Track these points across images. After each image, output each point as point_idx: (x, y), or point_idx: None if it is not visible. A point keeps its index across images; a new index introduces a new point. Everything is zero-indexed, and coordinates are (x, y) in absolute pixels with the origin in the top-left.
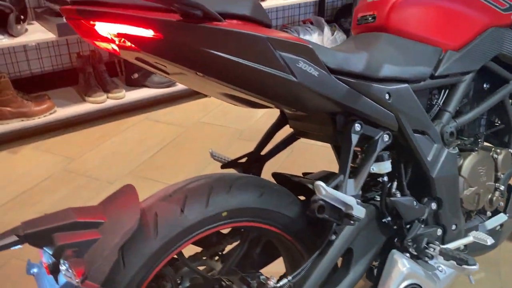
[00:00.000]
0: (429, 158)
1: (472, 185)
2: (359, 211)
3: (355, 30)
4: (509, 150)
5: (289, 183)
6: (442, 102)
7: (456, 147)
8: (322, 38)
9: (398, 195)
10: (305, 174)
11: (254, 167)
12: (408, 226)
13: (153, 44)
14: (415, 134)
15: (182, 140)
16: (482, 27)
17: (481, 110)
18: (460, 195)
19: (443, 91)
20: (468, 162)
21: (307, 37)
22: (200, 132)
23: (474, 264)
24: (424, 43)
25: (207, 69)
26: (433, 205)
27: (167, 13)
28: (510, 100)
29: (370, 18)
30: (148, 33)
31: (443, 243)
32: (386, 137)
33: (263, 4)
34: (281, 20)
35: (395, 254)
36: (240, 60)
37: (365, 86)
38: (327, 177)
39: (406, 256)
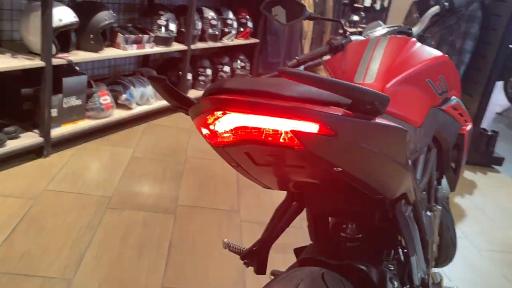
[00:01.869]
0: (425, 224)
1: (435, 242)
2: None
3: None
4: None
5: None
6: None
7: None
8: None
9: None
10: (296, 249)
11: (264, 252)
12: None
13: (321, 141)
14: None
15: (38, 216)
16: (429, 107)
17: (428, 176)
18: None
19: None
20: (434, 223)
21: (141, 89)
22: (56, 204)
23: None
24: (407, 123)
25: (353, 166)
26: (423, 266)
27: (323, 105)
28: None
29: None
30: (313, 128)
31: None
32: (410, 212)
33: (94, 56)
34: (106, 69)
35: None
36: (385, 154)
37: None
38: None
39: None
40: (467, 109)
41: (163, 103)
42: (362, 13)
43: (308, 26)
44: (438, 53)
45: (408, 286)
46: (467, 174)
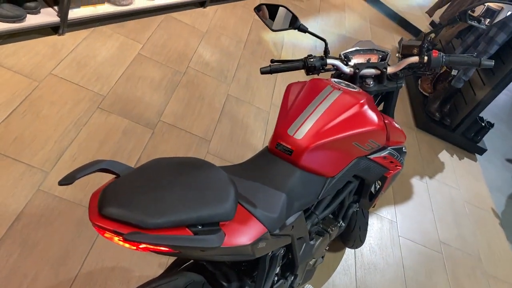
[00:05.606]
0: (299, 254)
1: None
2: None
3: (271, 148)
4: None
5: None
6: (314, 208)
7: (315, 239)
8: None
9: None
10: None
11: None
12: None
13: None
14: (297, 240)
15: (37, 101)
16: (352, 159)
17: (335, 206)
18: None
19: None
20: (318, 245)
21: None
22: (56, 92)
23: None
24: (318, 175)
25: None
26: (290, 278)
27: None
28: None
29: (287, 151)
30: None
31: None
32: (282, 252)
33: None
34: None
35: None
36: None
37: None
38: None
39: None
40: (475, 94)
41: None
42: None
43: None
44: (376, 121)
45: None
46: (445, 153)
